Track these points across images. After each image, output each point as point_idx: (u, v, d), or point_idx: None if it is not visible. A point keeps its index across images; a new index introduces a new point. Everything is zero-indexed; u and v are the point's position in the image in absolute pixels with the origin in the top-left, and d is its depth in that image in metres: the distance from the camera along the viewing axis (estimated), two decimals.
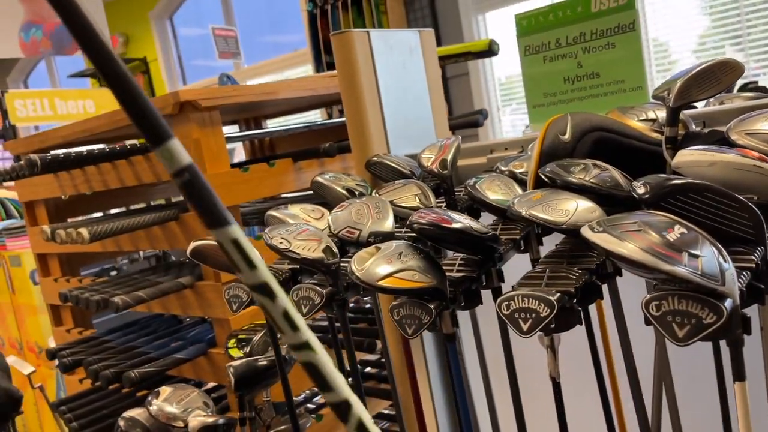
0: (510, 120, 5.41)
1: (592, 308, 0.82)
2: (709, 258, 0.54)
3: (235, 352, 1.23)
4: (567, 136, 0.84)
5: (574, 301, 0.67)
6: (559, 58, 1.14)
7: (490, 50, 1.61)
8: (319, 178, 1.10)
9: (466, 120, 1.62)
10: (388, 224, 0.91)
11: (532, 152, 0.89)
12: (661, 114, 0.97)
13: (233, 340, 1.25)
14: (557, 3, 1.13)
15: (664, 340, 0.90)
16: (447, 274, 0.75)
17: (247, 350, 1.19)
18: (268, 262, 0.94)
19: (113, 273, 2.26)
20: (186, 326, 1.64)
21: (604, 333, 0.99)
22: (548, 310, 0.62)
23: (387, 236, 0.90)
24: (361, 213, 0.92)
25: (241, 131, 2.17)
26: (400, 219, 1.00)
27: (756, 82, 1.33)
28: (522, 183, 0.94)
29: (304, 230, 0.87)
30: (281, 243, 0.83)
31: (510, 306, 0.64)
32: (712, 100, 1.01)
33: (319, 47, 4.43)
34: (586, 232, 0.57)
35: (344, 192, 1.08)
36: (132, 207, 1.93)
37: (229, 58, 4.26)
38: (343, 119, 1.81)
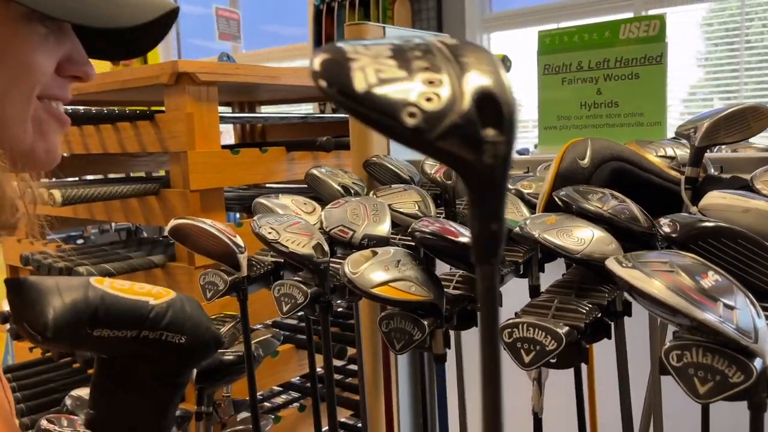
0: None
1: None
2: (743, 311, 0.49)
3: None
4: (586, 161, 0.80)
5: (580, 336, 0.62)
6: (578, 81, 1.10)
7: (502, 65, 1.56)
8: (314, 171, 1.05)
9: None
10: (385, 228, 0.86)
11: (547, 173, 0.84)
12: (680, 152, 0.93)
13: None
14: (584, 25, 1.09)
15: (658, 386, 0.86)
16: (445, 290, 0.70)
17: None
18: (251, 251, 0.88)
19: (80, 242, 2.17)
20: None
21: (591, 372, 0.95)
22: (555, 344, 0.57)
23: (381, 241, 0.84)
24: (357, 213, 0.87)
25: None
26: (396, 225, 0.95)
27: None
28: (529, 204, 0.90)
29: (295, 223, 0.81)
30: (270, 233, 0.77)
31: (513, 334, 0.59)
32: (724, 147, 0.98)
33: (320, 43, 4.37)
34: (613, 265, 0.52)
35: (339, 189, 1.02)
36: (110, 176, 1.85)
37: (228, 39, 4.17)
38: (340, 115, 1.76)
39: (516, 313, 0.64)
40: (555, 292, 0.68)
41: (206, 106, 1.28)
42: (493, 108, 0.28)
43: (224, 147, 1.34)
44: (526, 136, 5.42)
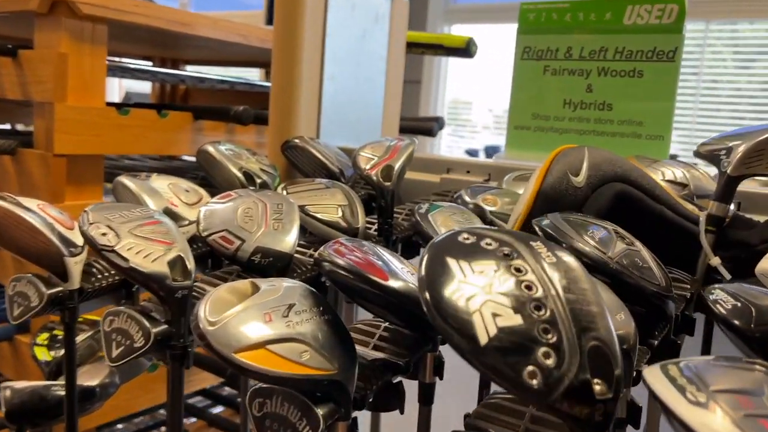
0: (446, 142, 5.20)
1: None
2: None
3: (41, 353, 0.88)
4: (581, 178, 0.56)
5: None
6: (564, 72, 0.86)
7: (467, 49, 1.32)
8: (209, 147, 0.78)
9: (419, 125, 1.33)
10: (289, 240, 0.60)
11: (520, 187, 0.60)
12: (679, 173, 0.71)
13: (45, 335, 0.90)
14: (580, 0, 0.85)
15: None
16: (359, 354, 0.45)
17: (59, 355, 0.85)
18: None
19: None
20: None
21: None
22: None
23: (280, 260, 0.58)
24: (251, 214, 0.61)
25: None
26: (308, 233, 0.70)
27: None
28: (492, 226, 0.66)
29: (151, 222, 0.54)
30: (104, 235, 0.51)
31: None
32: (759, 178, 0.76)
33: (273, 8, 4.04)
34: (667, 393, 0.28)
35: (239, 175, 0.76)
36: None
37: None
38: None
39: (467, 416, 0.40)
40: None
41: (89, 49, 0.98)
42: (604, 363, 0.29)
43: (111, 104, 1.05)
44: (474, 137, 5.27)
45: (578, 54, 0.85)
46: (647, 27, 0.80)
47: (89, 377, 0.81)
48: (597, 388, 0.28)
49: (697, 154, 0.63)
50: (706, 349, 0.63)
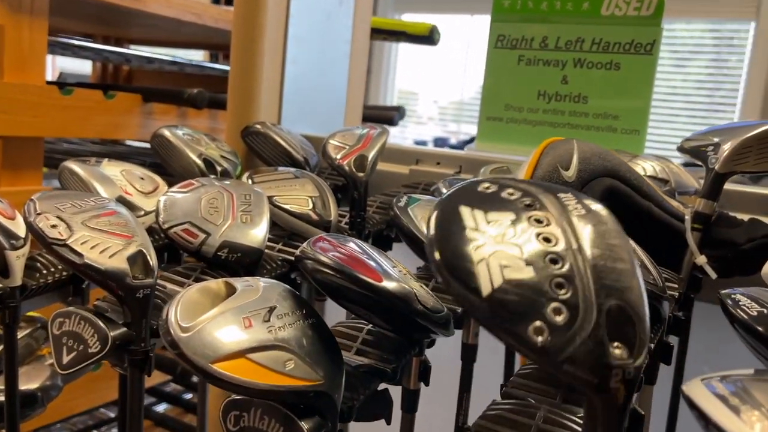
0: (393, 132, 5.18)
1: None
2: None
3: None
4: (571, 172, 0.53)
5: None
6: (539, 63, 0.84)
7: (430, 36, 1.29)
8: (165, 131, 0.72)
9: (380, 113, 1.29)
10: (258, 234, 0.55)
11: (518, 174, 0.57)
12: (660, 169, 0.70)
13: None
14: None
15: None
16: (345, 360, 0.41)
17: None
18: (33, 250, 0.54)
19: None
20: None
21: None
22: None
23: (250, 256, 0.54)
24: (216, 205, 0.56)
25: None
26: (276, 226, 0.65)
27: None
28: None
29: (107, 212, 0.49)
30: (54, 227, 0.45)
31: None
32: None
33: None
34: (710, 406, 0.25)
35: (199, 162, 0.70)
36: None
37: None
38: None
39: (473, 426, 0.36)
40: (528, 387, 0.41)
41: (27, 22, 0.90)
42: (626, 326, 0.26)
43: (52, 83, 0.97)
44: (420, 129, 5.27)
45: (554, 44, 0.83)
46: (625, 19, 0.79)
47: (28, 380, 0.74)
48: (616, 352, 0.25)
49: (682, 149, 0.62)
50: (680, 360, 0.62)
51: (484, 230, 0.28)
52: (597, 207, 0.30)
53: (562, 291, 0.26)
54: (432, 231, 0.28)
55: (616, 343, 0.26)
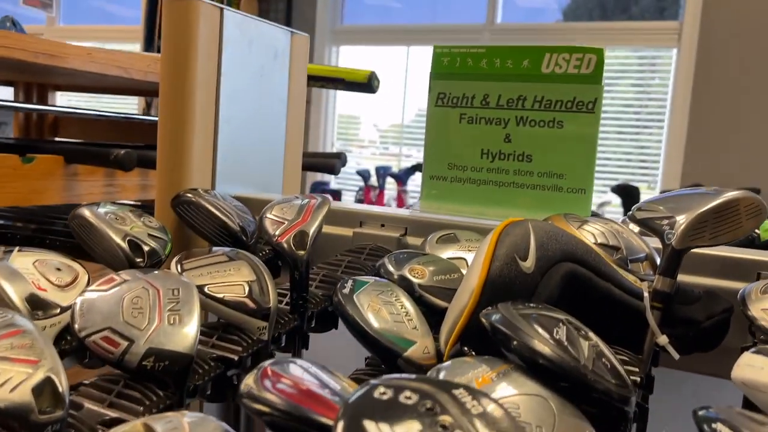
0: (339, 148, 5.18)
1: None
2: None
3: None
4: (529, 263, 0.50)
5: None
6: (482, 121, 0.82)
7: (368, 84, 1.26)
8: (85, 211, 0.66)
9: (321, 162, 1.25)
10: (188, 335, 0.50)
11: (466, 277, 0.54)
12: (609, 234, 0.68)
13: None
14: (496, 46, 0.81)
15: None
16: None
17: None
18: None
19: None
20: None
21: None
22: None
23: (178, 362, 0.48)
24: (140, 305, 0.50)
25: (16, 101, 1.60)
26: (208, 316, 0.60)
27: None
28: (422, 302, 0.59)
29: (10, 332, 0.43)
30: None
31: None
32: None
33: (153, 27, 3.82)
34: None
35: (124, 245, 0.64)
36: None
37: (37, 6, 3.49)
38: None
39: None
40: None
41: None
42: None
43: None
44: (362, 152, 5.25)
45: (495, 102, 0.81)
46: (566, 76, 0.77)
47: None
48: None
49: (634, 220, 0.60)
50: None
51: None
52: (490, 403, 0.30)
53: None
54: None
55: None
